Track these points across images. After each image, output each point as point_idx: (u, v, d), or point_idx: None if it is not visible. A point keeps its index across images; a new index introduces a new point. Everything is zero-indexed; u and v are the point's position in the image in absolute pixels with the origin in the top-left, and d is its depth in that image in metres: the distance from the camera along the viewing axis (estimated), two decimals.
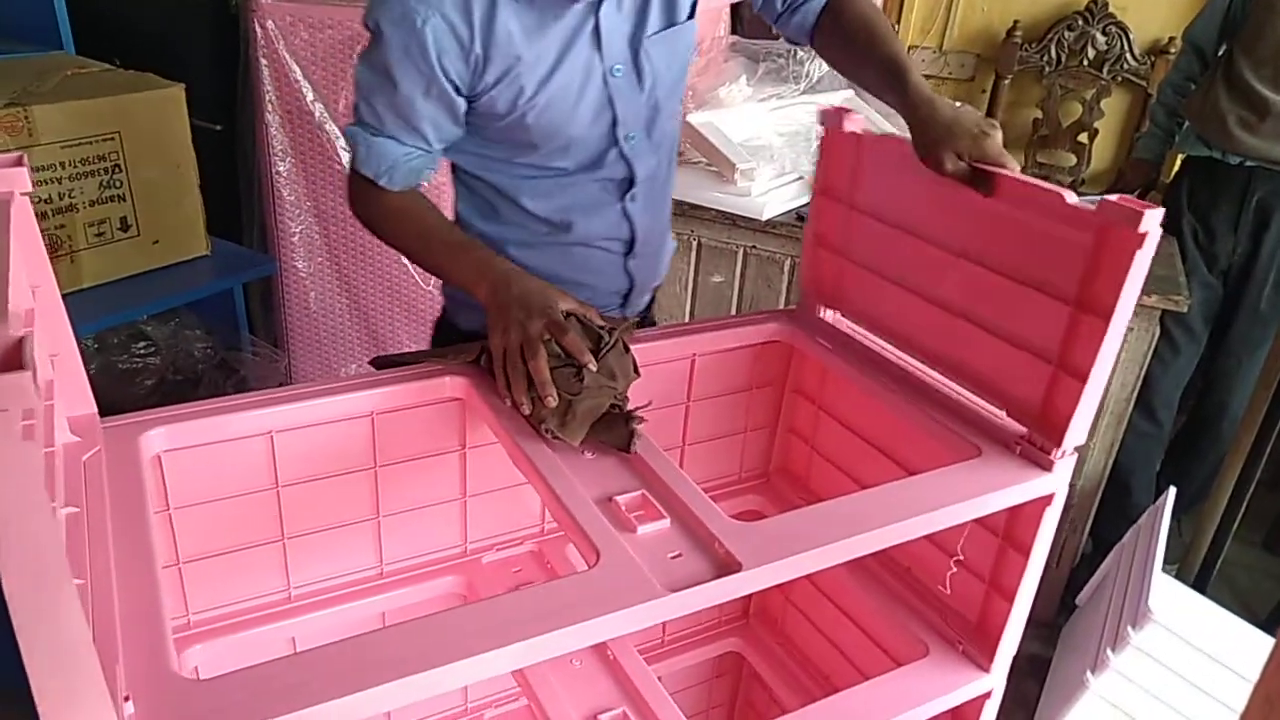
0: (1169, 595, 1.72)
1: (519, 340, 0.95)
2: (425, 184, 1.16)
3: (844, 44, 1.18)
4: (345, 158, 2.14)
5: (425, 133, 1.09)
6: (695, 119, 2.14)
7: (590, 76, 1.11)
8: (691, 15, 1.19)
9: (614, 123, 1.16)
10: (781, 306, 2.22)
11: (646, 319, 1.43)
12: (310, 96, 2.10)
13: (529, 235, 1.22)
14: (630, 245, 1.27)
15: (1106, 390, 1.96)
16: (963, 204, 1.00)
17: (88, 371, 0.88)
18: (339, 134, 2.12)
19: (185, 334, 2.03)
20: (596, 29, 1.09)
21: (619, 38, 1.12)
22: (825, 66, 2.33)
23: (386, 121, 1.08)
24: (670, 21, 1.16)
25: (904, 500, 0.89)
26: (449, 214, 1.22)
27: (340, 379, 1.01)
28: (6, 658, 0.51)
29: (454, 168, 1.23)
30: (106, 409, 0.90)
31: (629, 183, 1.22)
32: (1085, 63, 2.95)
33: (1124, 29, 2.89)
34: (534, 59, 1.07)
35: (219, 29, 2.32)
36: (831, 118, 1.16)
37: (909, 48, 3.13)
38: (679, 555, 0.79)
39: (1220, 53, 2.29)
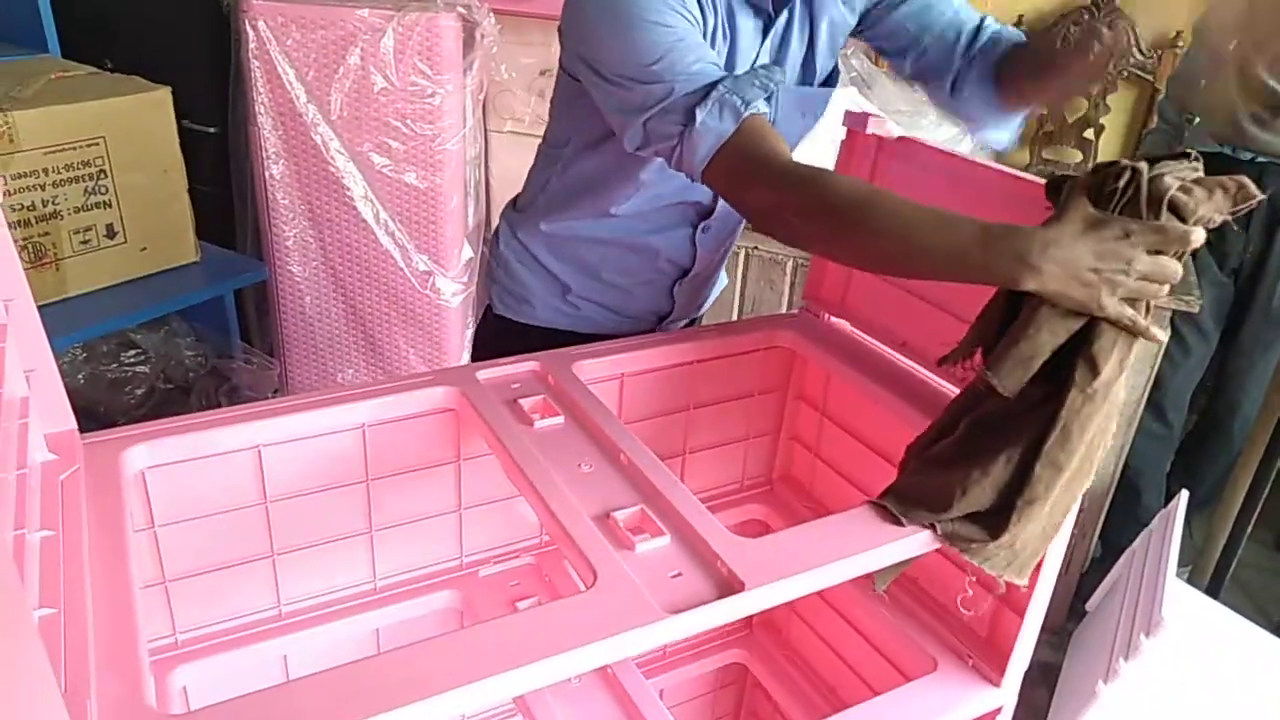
0: (1182, 602, 1.69)
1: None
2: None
3: (1030, 59, 1.17)
4: (340, 161, 2.10)
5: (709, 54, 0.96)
6: None
7: None
8: (828, 83, 1.16)
9: None
10: (784, 308, 2.19)
11: None
12: (303, 98, 2.06)
13: (597, 228, 1.22)
14: (684, 273, 1.27)
15: None
16: (971, 205, 0.97)
17: (76, 381, 0.86)
18: (333, 136, 2.08)
19: (176, 342, 2.00)
20: (733, 37, 1.07)
21: (747, 60, 1.10)
22: None
23: (679, 68, 0.92)
24: (804, 80, 1.14)
25: None
26: (512, 191, 1.17)
27: (330, 390, 0.99)
28: None
29: (557, 145, 1.21)
30: (96, 419, 0.88)
31: (708, 213, 1.21)
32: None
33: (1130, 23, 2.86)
34: (711, 25, 1.04)
35: (213, 30, 2.29)
36: (855, 120, 1.14)
37: None
38: (679, 575, 0.76)
39: (1231, 47, 2.26)
